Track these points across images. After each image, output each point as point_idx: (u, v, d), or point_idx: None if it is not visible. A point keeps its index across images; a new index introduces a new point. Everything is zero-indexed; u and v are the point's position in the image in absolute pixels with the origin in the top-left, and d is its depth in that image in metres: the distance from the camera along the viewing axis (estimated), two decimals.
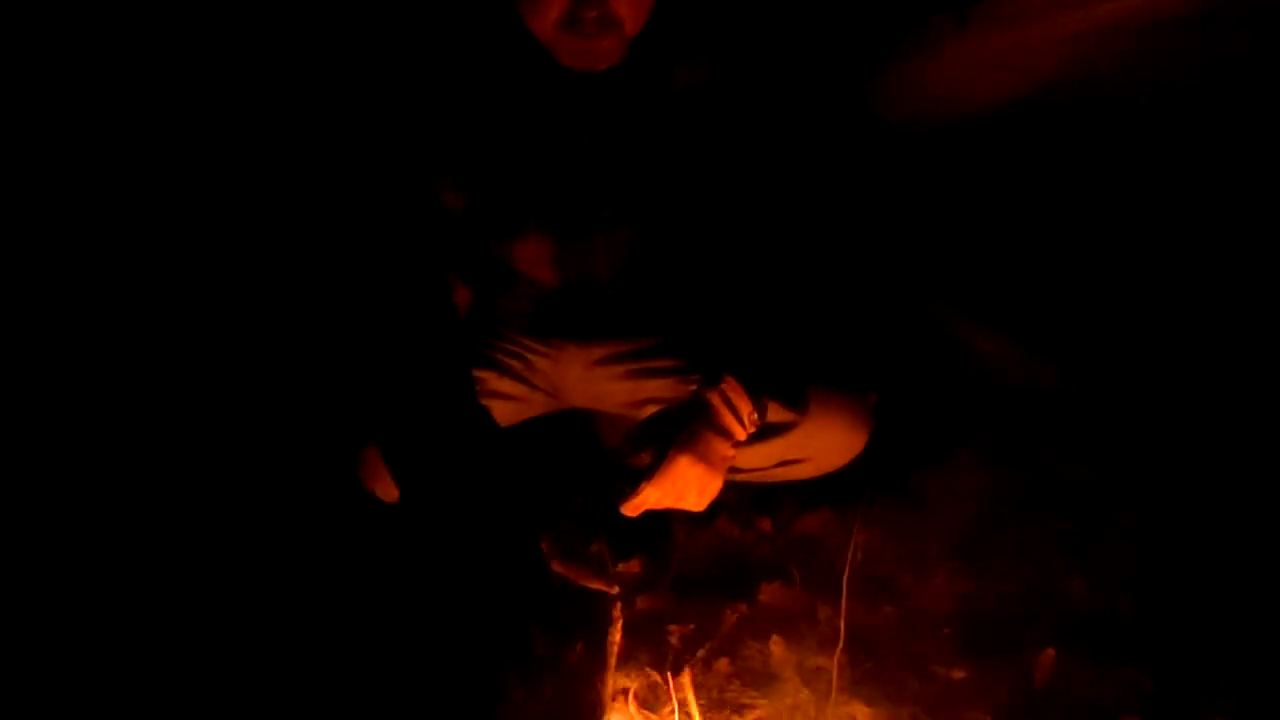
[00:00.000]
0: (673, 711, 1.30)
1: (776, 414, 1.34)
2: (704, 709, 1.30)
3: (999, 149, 1.80)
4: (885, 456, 1.50)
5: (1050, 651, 1.33)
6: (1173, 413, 1.64)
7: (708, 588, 1.47)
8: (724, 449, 1.29)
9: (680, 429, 1.29)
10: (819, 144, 1.35)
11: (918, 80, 1.77)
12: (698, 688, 1.33)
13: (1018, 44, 1.74)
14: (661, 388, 1.44)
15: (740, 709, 1.30)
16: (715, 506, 1.38)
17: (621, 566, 1.47)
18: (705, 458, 1.28)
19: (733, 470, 1.34)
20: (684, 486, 1.30)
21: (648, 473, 1.29)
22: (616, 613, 1.35)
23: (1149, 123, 1.74)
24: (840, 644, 1.33)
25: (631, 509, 1.31)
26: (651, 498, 1.30)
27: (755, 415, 1.30)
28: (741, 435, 1.30)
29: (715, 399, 1.28)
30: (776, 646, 1.37)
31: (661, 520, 1.46)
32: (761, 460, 1.41)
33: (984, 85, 1.76)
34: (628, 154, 1.28)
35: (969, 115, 1.77)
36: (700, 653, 1.37)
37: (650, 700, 1.32)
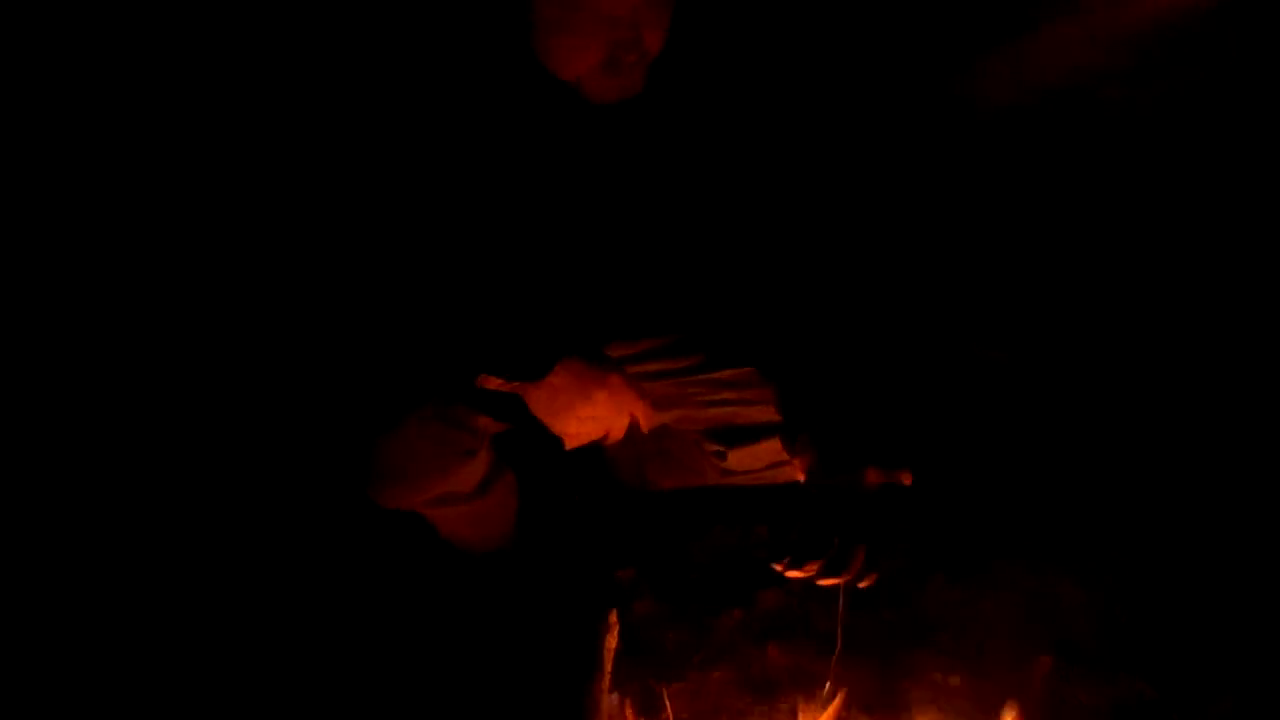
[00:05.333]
0: (667, 718, 1.30)
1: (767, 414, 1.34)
2: (700, 715, 1.30)
3: (1006, 153, 1.81)
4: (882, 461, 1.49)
5: (1047, 658, 1.32)
6: (1172, 418, 1.64)
7: (704, 594, 1.47)
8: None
9: None
10: (828, 151, 1.35)
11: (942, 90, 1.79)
12: (694, 694, 1.33)
13: (1025, 52, 1.75)
14: (663, 389, 1.45)
15: (736, 715, 1.30)
16: (712, 513, 1.39)
17: None
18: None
19: (725, 473, 1.34)
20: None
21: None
22: (613, 619, 1.36)
23: (1154, 127, 1.75)
24: (837, 650, 1.32)
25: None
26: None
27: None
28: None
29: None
30: (773, 653, 1.37)
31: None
32: (752, 462, 1.41)
33: (994, 92, 1.78)
34: (645, 174, 1.28)
35: (978, 121, 1.79)
36: (697, 659, 1.37)
37: (646, 707, 1.32)
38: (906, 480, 1.22)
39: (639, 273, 1.38)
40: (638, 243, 1.34)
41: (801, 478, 1.25)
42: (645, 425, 1.32)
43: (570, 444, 1.30)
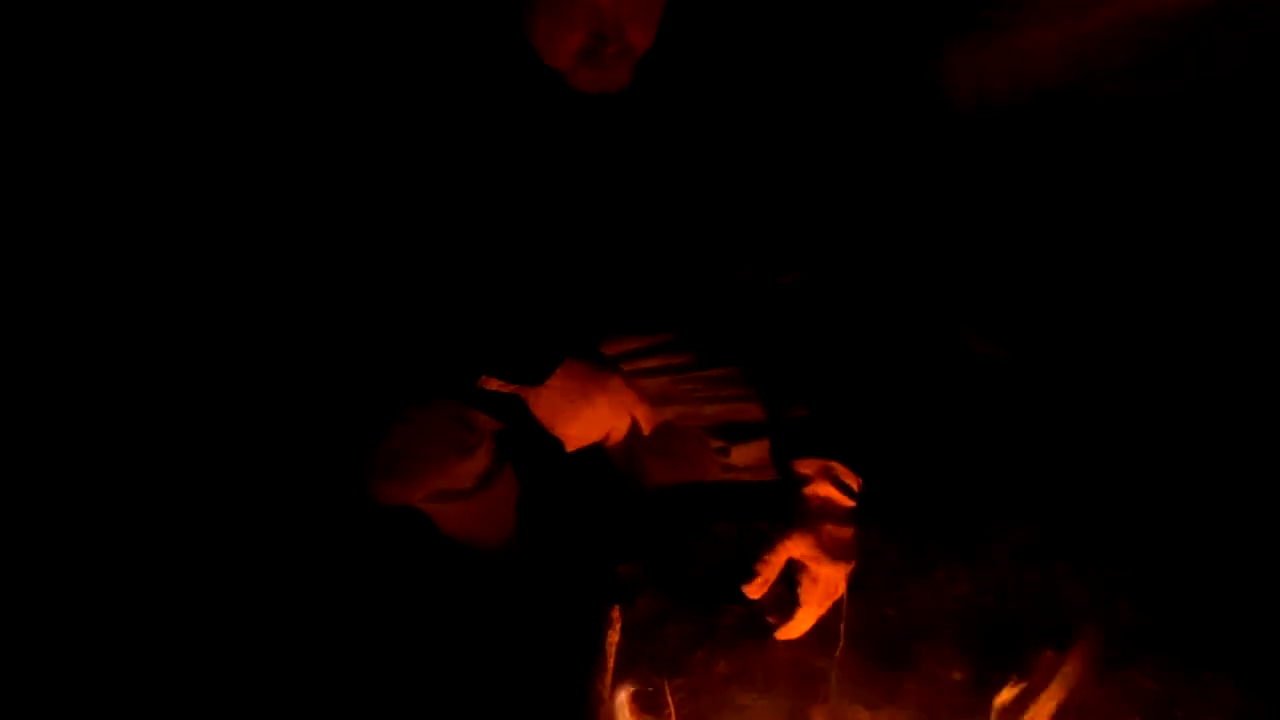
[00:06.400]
0: (670, 714, 1.29)
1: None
2: (703, 711, 1.30)
3: (1004, 151, 1.81)
4: (883, 457, 1.50)
5: (1049, 654, 1.32)
6: (1173, 415, 1.64)
7: (707, 590, 1.46)
8: (846, 534, 1.25)
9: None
10: (820, 146, 1.36)
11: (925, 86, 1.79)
12: (697, 690, 1.32)
13: (1022, 48, 1.75)
14: (663, 385, 1.45)
15: (739, 710, 1.30)
16: (715, 509, 1.38)
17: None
18: (836, 554, 1.24)
19: (728, 469, 1.34)
20: (834, 587, 1.26)
21: (787, 613, 1.26)
22: (615, 615, 1.35)
23: (1153, 124, 1.75)
24: (839, 646, 1.33)
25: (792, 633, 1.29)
26: (810, 617, 1.26)
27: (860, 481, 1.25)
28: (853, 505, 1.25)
29: (825, 490, 1.24)
30: (775, 648, 1.37)
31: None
32: (756, 458, 1.41)
33: (989, 89, 1.78)
34: (634, 166, 1.28)
35: (975, 118, 1.79)
36: (700, 655, 1.37)
37: (649, 703, 1.32)
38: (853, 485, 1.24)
39: (635, 272, 1.38)
40: (632, 241, 1.34)
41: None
42: (646, 427, 1.32)
43: (571, 446, 1.30)
